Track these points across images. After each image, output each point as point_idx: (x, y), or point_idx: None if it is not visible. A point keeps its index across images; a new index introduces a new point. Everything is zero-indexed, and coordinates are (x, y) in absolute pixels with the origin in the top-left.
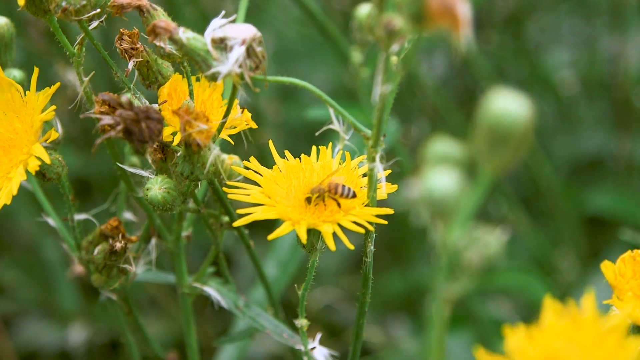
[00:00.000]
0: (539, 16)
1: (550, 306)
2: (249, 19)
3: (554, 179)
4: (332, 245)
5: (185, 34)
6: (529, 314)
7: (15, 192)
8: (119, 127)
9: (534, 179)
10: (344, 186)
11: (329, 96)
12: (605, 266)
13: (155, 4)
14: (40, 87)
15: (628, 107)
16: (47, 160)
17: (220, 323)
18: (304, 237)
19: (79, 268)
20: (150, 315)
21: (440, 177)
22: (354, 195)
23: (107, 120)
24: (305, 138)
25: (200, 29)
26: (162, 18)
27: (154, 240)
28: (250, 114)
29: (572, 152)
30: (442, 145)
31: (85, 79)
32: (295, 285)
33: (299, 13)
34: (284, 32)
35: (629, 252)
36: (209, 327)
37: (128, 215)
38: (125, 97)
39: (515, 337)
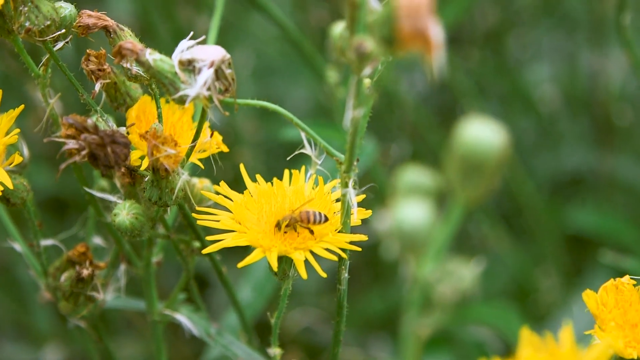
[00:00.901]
0: (519, 32)
1: (527, 339)
2: (226, 37)
3: (536, 196)
4: (303, 274)
5: (152, 56)
6: (511, 337)
7: None
8: (84, 152)
9: (514, 196)
10: (315, 213)
11: (308, 114)
12: (587, 295)
13: (131, 22)
14: (15, 107)
15: (609, 123)
16: (10, 185)
17: (198, 346)
18: (275, 265)
19: (47, 295)
20: (126, 337)
21: (411, 209)
22: (326, 219)
23: (72, 144)
24: (285, 157)
25: (175, 48)
26: (129, 39)
27: (122, 267)
28: (221, 137)
29: (553, 169)
30: (413, 175)
31: (51, 101)
32: (268, 313)
33: (277, 31)
34: (263, 50)
35: (611, 281)
36: (185, 348)
37: (97, 241)
38: (90, 121)
39: None
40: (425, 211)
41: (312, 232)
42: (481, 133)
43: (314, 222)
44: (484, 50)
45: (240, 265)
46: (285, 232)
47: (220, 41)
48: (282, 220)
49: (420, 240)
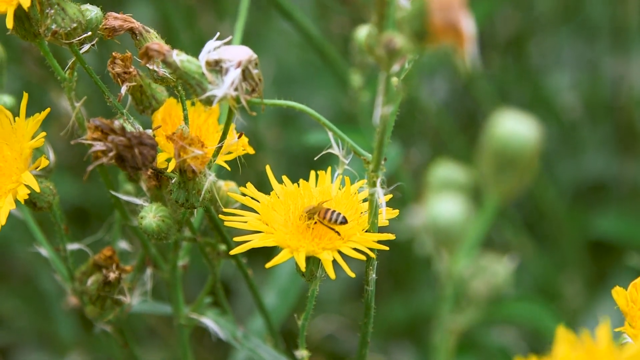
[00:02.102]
0: (540, 38)
1: (562, 337)
2: (248, 44)
3: (558, 203)
4: (332, 273)
5: (179, 57)
6: (534, 342)
7: (3, 222)
8: (111, 154)
9: (537, 203)
10: (333, 211)
11: (329, 121)
12: (617, 292)
13: (152, 29)
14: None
15: (632, 129)
16: (37, 188)
17: (222, 352)
18: (303, 265)
19: (73, 299)
20: (150, 346)
21: (445, 204)
22: (344, 221)
23: (99, 146)
24: (307, 164)
25: (197, 54)
26: (155, 40)
27: (149, 270)
28: (247, 139)
29: (575, 176)
30: (446, 170)
31: (77, 104)
32: (295, 315)
33: (299, 38)
34: (284, 58)
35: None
36: (209, 356)
37: (123, 245)
38: (117, 123)
39: None
40: (459, 206)
41: (337, 233)
42: (515, 127)
43: (331, 220)
44: (505, 56)
45: (268, 265)
46: (311, 227)
47: None
48: (306, 209)
49: (454, 235)
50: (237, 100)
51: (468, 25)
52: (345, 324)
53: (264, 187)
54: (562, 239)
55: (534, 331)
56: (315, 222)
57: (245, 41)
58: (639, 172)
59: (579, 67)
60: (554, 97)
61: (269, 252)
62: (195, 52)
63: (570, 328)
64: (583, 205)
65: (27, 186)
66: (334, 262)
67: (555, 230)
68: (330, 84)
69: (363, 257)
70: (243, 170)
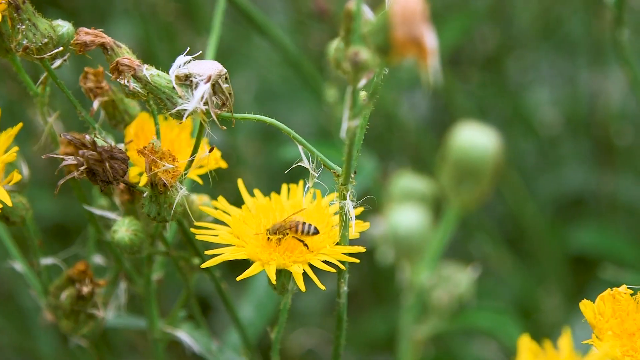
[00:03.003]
0: (519, 54)
1: (525, 347)
2: (228, 61)
3: (538, 217)
4: (302, 286)
5: (149, 71)
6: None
7: None
8: (82, 168)
9: (516, 217)
10: (304, 223)
11: (309, 137)
12: (585, 305)
13: (131, 46)
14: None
15: (609, 144)
16: (9, 202)
17: None
18: (273, 278)
19: (48, 315)
20: None
21: (405, 214)
22: (316, 232)
23: (69, 160)
24: (287, 180)
25: None
26: (126, 55)
27: (123, 284)
28: (221, 153)
29: (554, 190)
30: (407, 181)
31: (50, 119)
32: (268, 328)
33: (280, 56)
34: (265, 75)
35: (608, 291)
36: None
37: (98, 259)
38: (88, 137)
39: None
40: (420, 216)
41: (306, 245)
42: (474, 138)
43: (303, 232)
44: (485, 73)
45: (239, 278)
46: (278, 243)
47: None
48: (271, 228)
49: (414, 244)
50: (207, 114)
51: (430, 38)
52: (325, 337)
53: (241, 203)
54: (542, 253)
55: (513, 345)
56: (285, 236)
57: (226, 57)
58: (617, 186)
59: (557, 82)
60: (533, 112)
61: (246, 266)
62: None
63: (549, 341)
64: (562, 220)
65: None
66: (306, 275)
67: (535, 244)
68: (310, 101)
69: (333, 270)
70: (222, 185)
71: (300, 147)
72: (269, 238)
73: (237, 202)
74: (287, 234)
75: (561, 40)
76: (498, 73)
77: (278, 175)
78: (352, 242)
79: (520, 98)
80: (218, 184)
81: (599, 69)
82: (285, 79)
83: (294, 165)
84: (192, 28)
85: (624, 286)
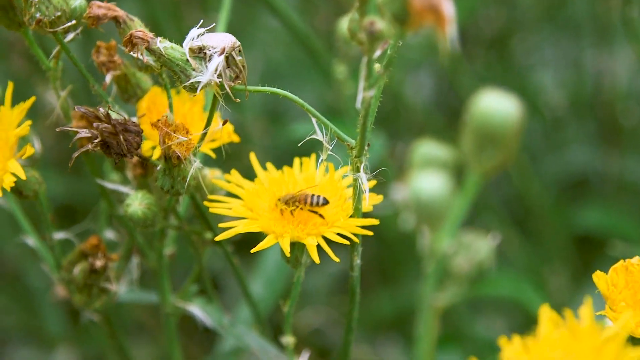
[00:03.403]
0: (523, 36)
1: (546, 316)
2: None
3: (543, 198)
4: (316, 258)
5: (162, 44)
6: (523, 332)
7: None
8: (96, 140)
9: (522, 197)
10: (313, 195)
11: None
12: (598, 276)
13: (136, 18)
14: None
15: (615, 124)
16: (23, 176)
17: (209, 346)
18: (287, 250)
19: (60, 290)
20: (138, 341)
21: (427, 180)
22: (325, 202)
23: (83, 133)
24: (294, 160)
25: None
26: (138, 28)
27: (135, 259)
28: (233, 127)
29: (560, 170)
30: (429, 148)
31: (62, 93)
32: (280, 302)
33: (286, 35)
34: (271, 55)
35: (621, 262)
36: (197, 349)
37: (110, 235)
38: (102, 110)
39: (511, 348)
40: (442, 182)
41: (322, 216)
42: (496, 104)
43: (312, 204)
44: (489, 54)
45: (253, 250)
46: (292, 215)
47: None
48: (282, 198)
49: (436, 210)
50: (221, 86)
51: (448, 6)
52: (333, 316)
53: (251, 180)
54: (547, 233)
55: (521, 320)
56: (296, 208)
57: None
58: (622, 166)
59: (562, 64)
60: (538, 93)
61: (256, 242)
62: (181, 45)
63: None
64: (568, 200)
65: (13, 174)
66: (322, 252)
67: (541, 224)
68: (317, 81)
69: (347, 242)
70: (231, 164)
71: (313, 120)
72: (280, 209)
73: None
74: (298, 206)
75: (566, 20)
76: (503, 54)
77: (285, 155)
78: (365, 216)
79: (525, 79)
80: (226, 162)
81: (604, 49)
82: (292, 59)
83: (307, 138)
84: (199, 7)
85: (637, 257)
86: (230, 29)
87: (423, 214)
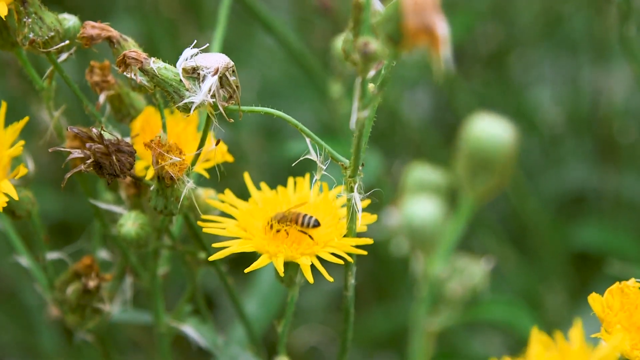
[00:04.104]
0: (521, 53)
1: (537, 338)
2: (231, 58)
3: (540, 215)
4: (310, 278)
5: (156, 64)
6: (517, 350)
7: None
8: (89, 161)
9: (519, 214)
10: (304, 215)
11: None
12: (593, 299)
13: (130, 38)
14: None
15: (612, 141)
16: (15, 196)
17: None
18: (281, 270)
19: (54, 310)
20: (132, 359)
21: (420, 205)
22: (316, 224)
23: (76, 154)
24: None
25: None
26: (132, 48)
27: (128, 279)
28: (227, 147)
29: (557, 187)
30: (422, 172)
31: (56, 113)
32: (275, 321)
33: (282, 53)
34: (268, 73)
35: (616, 284)
36: None
37: (103, 254)
38: (95, 130)
39: None
40: (435, 207)
41: (311, 237)
42: (489, 129)
43: (303, 224)
44: (487, 71)
45: (247, 270)
46: (285, 235)
47: None
48: (274, 216)
49: (429, 235)
50: (214, 107)
51: (442, 27)
52: (328, 334)
53: (246, 198)
54: (544, 250)
55: (517, 340)
56: (290, 228)
57: (228, 55)
58: (619, 184)
59: (560, 81)
60: (535, 110)
61: (251, 261)
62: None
63: (550, 336)
64: (565, 217)
65: (6, 194)
66: (317, 270)
67: (538, 241)
68: (313, 97)
69: (341, 262)
70: (226, 183)
71: (307, 140)
72: (271, 226)
73: (241, 198)
74: (290, 225)
75: (563, 38)
76: (501, 71)
77: (280, 173)
78: (359, 235)
79: (522, 96)
80: (221, 180)
81: (601, 67)
82: (288, 77)
83: (301, 158)
84: (195, 25)
85: (633, 279)
86: (226, 47)
87: (416, 239)
